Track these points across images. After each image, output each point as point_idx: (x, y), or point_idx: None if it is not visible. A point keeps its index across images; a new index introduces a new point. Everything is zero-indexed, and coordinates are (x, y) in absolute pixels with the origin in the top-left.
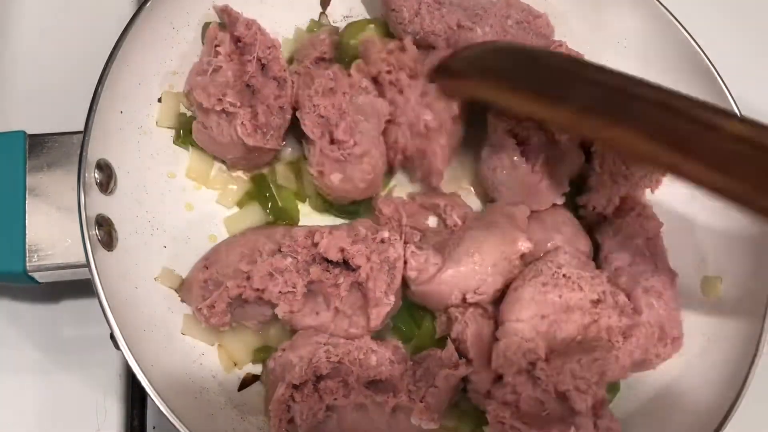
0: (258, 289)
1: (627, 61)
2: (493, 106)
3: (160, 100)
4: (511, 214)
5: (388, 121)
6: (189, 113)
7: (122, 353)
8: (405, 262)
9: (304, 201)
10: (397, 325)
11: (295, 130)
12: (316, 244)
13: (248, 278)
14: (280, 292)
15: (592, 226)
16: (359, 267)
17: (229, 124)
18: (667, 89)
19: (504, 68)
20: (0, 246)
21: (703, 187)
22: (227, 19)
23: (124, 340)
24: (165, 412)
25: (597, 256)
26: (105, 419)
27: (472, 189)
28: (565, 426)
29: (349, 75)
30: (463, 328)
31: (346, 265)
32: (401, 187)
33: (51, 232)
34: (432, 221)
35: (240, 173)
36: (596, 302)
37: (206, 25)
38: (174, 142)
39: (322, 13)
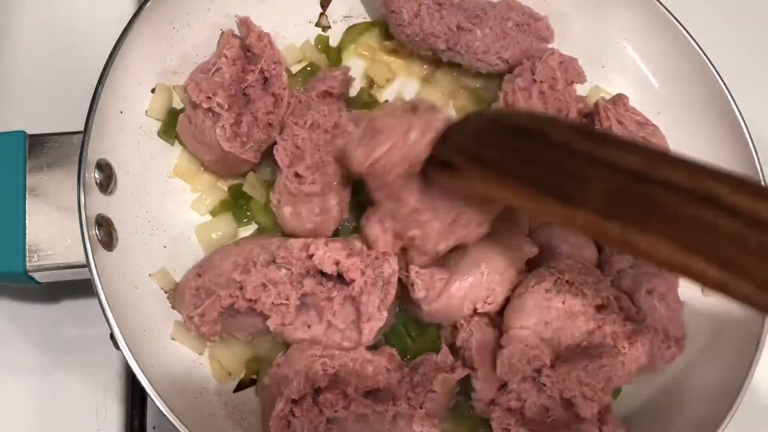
0: (250, 300)
1: (627, 61)
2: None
3: (153, 91)
4: (511, 219)
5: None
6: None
7: (122, 353)
8: (412, 284)
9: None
10: (390, 342)
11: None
12: (311, 256)
13: (241, 288)
14: (272, 303)
15: None
16: (353, 281)
17: (213, 124)
18: (694, 162)
19: (500, 154)
20: (0, 246)
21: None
22: (244, 29)
23: (124, 340)
24: (165, 412)
25: (599, 260)
26: (105, 419)
27: None
28: None
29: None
30: (468, 336)
31: (340, 278)
32: None
33: (51, 232)
34: None
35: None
36: (601, 307)
37: (223, 33)
38: (158, 134)
39: (322, 14)
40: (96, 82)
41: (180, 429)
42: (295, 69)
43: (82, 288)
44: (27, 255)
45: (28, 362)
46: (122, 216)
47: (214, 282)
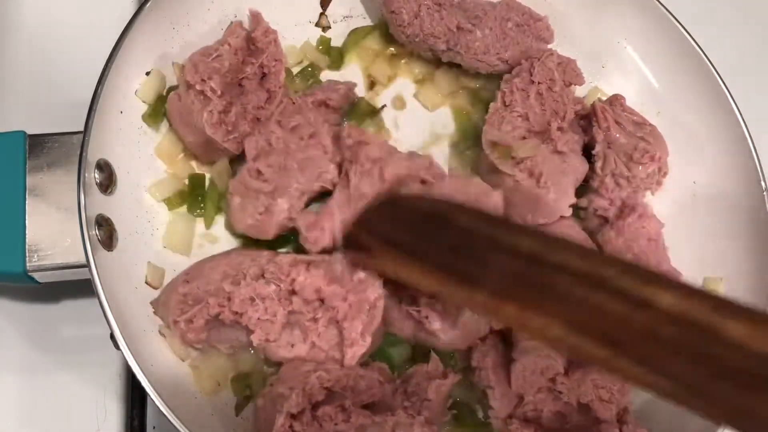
0: (237, 312)
1: (627, 61)
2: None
3: (148, 74)
4: None
5: None
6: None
7: (122, 353)
8: (426, 317)
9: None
10: (376, 359)
11: None
12: (293, 281)
13: (229, 299)
14: (258, 318)
15: (593, 229)
16: (335, 307)
17: (201, 107)
18: (587, 248)
19: (410, 237)
20: (0, 246)
21: (643, 388)
22: (254, 22)
23: (124, 340)
24: (165, 412)
25: None
26: (105, 419)
27: None
28: None
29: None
30: (484, 356)
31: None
32: None
33: (51, 232)
34: None
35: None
36: None
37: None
38: (142, 117)
39: (322, 14)
40: (96, 82)
41: (180, 429)
42: (296, 70)
43: (82, 288)
44: (27, 255)
45: (27, 362)
46: (122, 216)
47: (202, 290)
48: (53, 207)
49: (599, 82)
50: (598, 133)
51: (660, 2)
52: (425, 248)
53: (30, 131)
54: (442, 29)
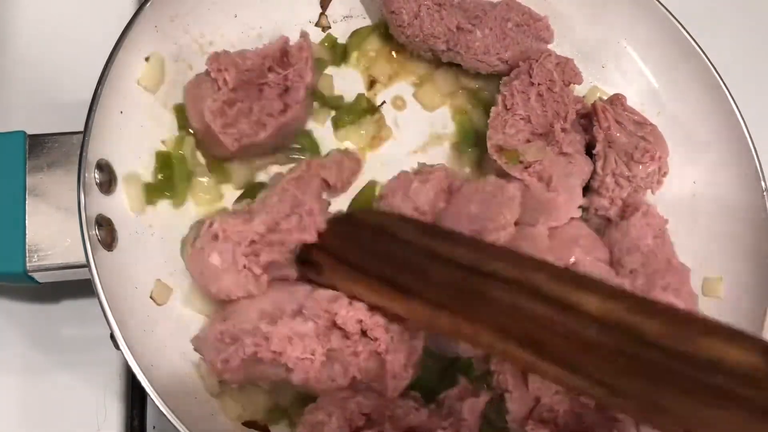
0: (275, 352)
1: (627, 61)
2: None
3: (147, 60)
4: (529, 237)
5: None
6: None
7: (122, 353)
8: None
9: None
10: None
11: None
12: (335, 315)
13: (267, 339)
14: (297, 357)
15: (594, 229)
16: (377, 339)
17: (212, 96)
18: (522, 255)
19: (356, 252)
20: (0, 246)
21: (568, 390)
22: (300, 39)
23: (124, 340)
24: (165, 412)
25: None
26: (105, 419)
27: None
28: None
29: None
30: (501, 360)
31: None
32: None
33: (51, 232)
34: None
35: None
36: None
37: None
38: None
39: (322, 14)
40: (96, 82)
41: (180, 429)
42: None
43: (82, 288)
44: (27, 255)
45: (27, 362)
46: (122, 216)
47: (238, 328)
48: (53, 207)
49: (599, 82)
50: (599, 132)
51: (660, 2)
52: (370, 262)
53: (30, 131)
54: (442, 29)
